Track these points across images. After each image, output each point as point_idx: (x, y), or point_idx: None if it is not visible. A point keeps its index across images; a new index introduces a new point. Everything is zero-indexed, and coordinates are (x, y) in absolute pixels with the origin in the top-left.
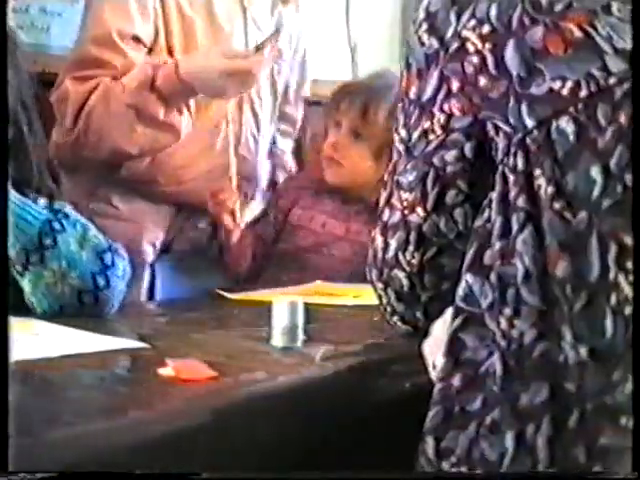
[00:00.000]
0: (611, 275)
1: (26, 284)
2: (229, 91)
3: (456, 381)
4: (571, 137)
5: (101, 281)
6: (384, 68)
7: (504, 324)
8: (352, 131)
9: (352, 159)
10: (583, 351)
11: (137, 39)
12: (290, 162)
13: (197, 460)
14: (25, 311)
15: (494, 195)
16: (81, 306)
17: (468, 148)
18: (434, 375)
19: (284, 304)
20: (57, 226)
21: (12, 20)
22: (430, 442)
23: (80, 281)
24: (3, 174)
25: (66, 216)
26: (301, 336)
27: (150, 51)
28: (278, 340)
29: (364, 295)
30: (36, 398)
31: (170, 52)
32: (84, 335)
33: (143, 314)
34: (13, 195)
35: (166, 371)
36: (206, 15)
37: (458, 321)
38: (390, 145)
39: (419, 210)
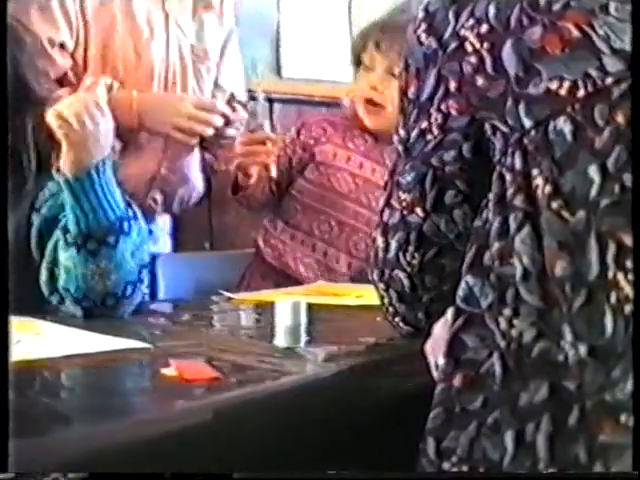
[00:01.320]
0: (610, 274)
1: (66, 258)
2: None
3: (457, 381)
4: (568, 137)
5: (129, 291)
6: (404, 1)
7: (503, 324)
8: (389, 71)
9: (394, 100)
10: (583, 350)
11: (63, 46)
12: None
13: (199, 460)
14: (31, 310)
15: (491, 195)
16: (101, 305)
17: (466, 148)
18: (436, 375)
19: (287, 304)
20: (125, 227)
21: None
22: (431, 443)
23: (114, 285)
24: (3, 173)
25: (135, 217)
26: (304, 336)
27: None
28: (281, 340)
29: (366, 295)
30: (39, 398)
31: (85, 61)
32: (87, 335)
33: (146, 314)
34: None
35: (169, 371)
36: (126, 20)
37: (459, 322)
38: None
39: (418, 210)
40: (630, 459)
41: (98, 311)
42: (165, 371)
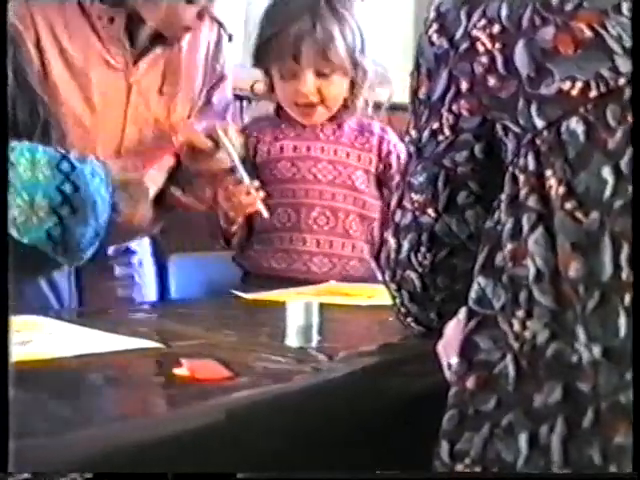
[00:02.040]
0: (624, 275)
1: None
2: None
3: (470, 383)
4: (581, 138)
5: (67, 187)
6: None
7: (517, 325)
8: (318, 73)
9: (329, 94)
10: (596, 351)
11: None
12: None
13: (211, 460)
14: (40, 309)
15: (503, 196)
16: (61, 222)
17: (478, 149)
18: (449, 376)
19: (299, 304)
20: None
21: None
22: (445, 445)
23: (48, 200)
24: (3, 172)
25: (12, 149)
26: (316, 336)
27: None
28: (293, 340)
29: (378, 295)
30: (52, 398)
31: None
32: (99, 335)
33: (157, 314)
34: None
35: (181, 371)
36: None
37: (472, 324)
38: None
39: (430, 211)
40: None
41: (70, 227)
42: (177, 371)
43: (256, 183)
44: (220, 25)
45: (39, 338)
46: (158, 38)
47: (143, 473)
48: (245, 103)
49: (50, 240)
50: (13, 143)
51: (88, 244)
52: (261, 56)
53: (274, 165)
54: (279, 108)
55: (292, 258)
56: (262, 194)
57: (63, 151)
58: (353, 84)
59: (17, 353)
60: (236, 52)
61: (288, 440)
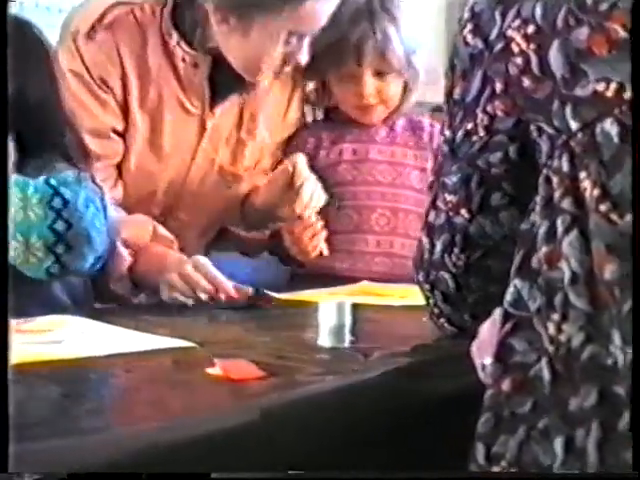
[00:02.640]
0: None
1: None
2: None
3: (506, 386)
4: (616, 139)
5: (60, 225)
6: None
7: (552, 329)
8: (375, 74)
9: (388, 93)
10: (632, 354)
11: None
12: None
13: (244, 460)
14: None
15: (538, 198)
16: (58, 260)
17: (512, 150)
18: (483, 377)
19: (331, 304)
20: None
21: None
22: (481, 448)
23: (42, 240)
24: (3, 174)
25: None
26: (348, 336)
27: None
28: (325, 340)
29: (410, 296)
30: (85, 397)
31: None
32: (132, 334)
33: (191, 314)
34: None
35: (215, 371)
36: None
37: (507, 326)
38: None
39: (464, 212)
40: None
41: (68, 264)
42: (210, 370)
43: (321, 224)
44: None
45: (70, 337)
46: (236, 84)
47: (120, 473)
48: None
49: (51, 276)
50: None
51: (90, 270)
52: (318, 64)
53: (334, 169)
54: (331, 112)
55: (354, 258)
56: (325, 233)
57: (54, 182)
58: (406, 84)
59: (49, 352)
60: None
61: (321, 440)
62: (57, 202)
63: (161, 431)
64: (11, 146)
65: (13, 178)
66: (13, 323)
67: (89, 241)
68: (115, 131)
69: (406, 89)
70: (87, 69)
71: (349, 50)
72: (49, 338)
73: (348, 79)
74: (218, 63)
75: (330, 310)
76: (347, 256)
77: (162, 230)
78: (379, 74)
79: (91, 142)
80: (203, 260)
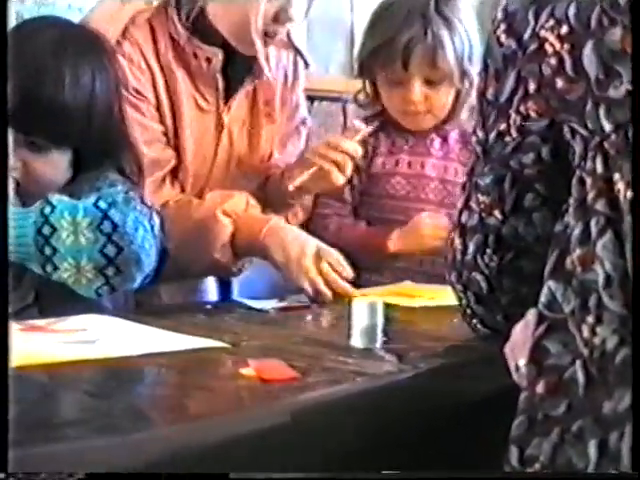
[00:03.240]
0: None
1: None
2: None
3: (540, 388)
4: None
5: (110, 249)
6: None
7: (586, 332)
8: (426, 82)
9: (437, 103)
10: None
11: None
12: None
13: (276, 461)
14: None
15: (571, 200)
16: (108, 281)
17: (545, 151)
18: (517, 378)
19: (363, 304)
20: (47, 230)
21: None
22: (514, 451)
23: (93, 263)
24: (3, 177)
25: (52, 209)
26: (381, 337)
27: None
28: (357, 340)
29: (442, 296)
30: (119, 397)
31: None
32: (164, 334)
33: (224, 314)
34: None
35: (248, 371)
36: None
37: (541, 328)
38: None
39: (497, 213)
40: None
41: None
42: (244, 371)
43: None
44: (297, 51)
45: (104, 337)
46: (248, 73)
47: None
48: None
49: (100, 296)
50: (54, 199)
51: (137, 288)
52: (368, 64)
53: (388, 179)
54: (384, 114)
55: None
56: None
57: (103, 205)
58: (459, 93)
59: (83, 352)
60: None
61: (354, 441)
62: (107, 226)
63: (192, 432)
64: (66, 160)
65: (61, 199)
66: (43, 322)
67: (138, 264)
68: (164, 135)
69: (458, 99)
70: (124, 82)
71: (397, 53)
72: (82, 338)
73: (395, 83)
74: (230, 57)
75: (361, 310)
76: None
77: (252, 201)
78: (428, 81)
79: (148, 151)
80: (336, 255)
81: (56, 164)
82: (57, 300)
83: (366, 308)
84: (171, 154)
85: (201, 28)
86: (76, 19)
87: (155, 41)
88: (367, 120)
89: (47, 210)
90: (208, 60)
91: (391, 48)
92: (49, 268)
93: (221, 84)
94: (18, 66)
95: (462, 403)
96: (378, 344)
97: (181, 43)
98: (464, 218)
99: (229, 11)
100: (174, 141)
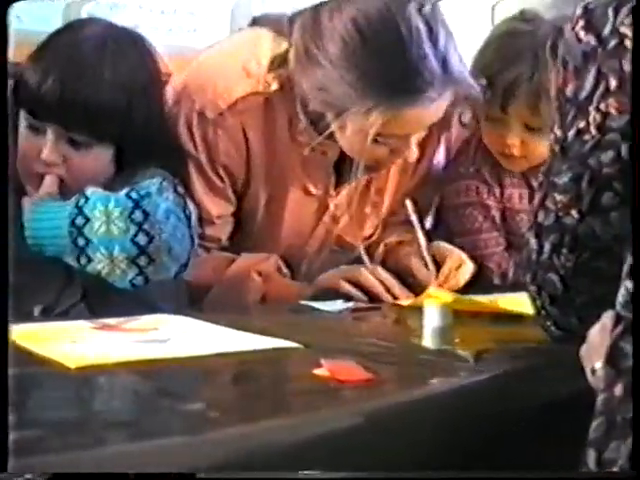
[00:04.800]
0: None
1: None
2: None
3: (618, 390)
4: None
5: (142, 238)
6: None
7: None
8: (525, 126)
9: (534, 151)
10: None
11: None
12: None
13: (349, 462)
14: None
15: None
16: (142, 271)
17: (625, 149)
18: (593, 381)
19: (435, 306)
20: (80, 221)
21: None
22: (592, 454)
23: (125, 253)
24: (3, 175)
25: (86, 200)
26: (453, 338)
27: None
28: (429, 342)
29: (513, 302)
30: (191, 397)
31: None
32: (236, 334)
33: (294, 314)
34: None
35: (321, 372)
36: None
37: (619, 329)
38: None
39: (574, 212)
40: None
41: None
42: (317, 371)
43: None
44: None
45: (176, 336)
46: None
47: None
48: None
49: (135, 287)
50: (88, 192)
51: (175, 278)
52: None
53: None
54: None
55: None
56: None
57: (135, 195)
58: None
59: (155, 351)
60: None
61: (428, 442)
62: (138, 215)
63: (265, 432)
64: (108, 157)
65: (95, 191)
66: (114, 321)
67: (171, 252)
68: (220, 217)
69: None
70: (208, 154)
71: (497, 93)
72: (154, 337)
73: (493, 121)
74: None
75: (434, 312)
76: None
77: (283, 267)
78: (527, 126)
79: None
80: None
81: (97, 160)
82: (104, 297)
83: (438, 310)
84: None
85: (317, 120)
86: (145, 20)
87: (272, 119)
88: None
89: (81, 202)
90: (323, 153)
91: (491, 86)
92: (83, 260)
93: (333, 177)
94: (59, 62)
95: (538, 406)
96: (451, 346)
97: (298, 130)
98: (540, 218)
99: (342, 141)
100: (271, 212)
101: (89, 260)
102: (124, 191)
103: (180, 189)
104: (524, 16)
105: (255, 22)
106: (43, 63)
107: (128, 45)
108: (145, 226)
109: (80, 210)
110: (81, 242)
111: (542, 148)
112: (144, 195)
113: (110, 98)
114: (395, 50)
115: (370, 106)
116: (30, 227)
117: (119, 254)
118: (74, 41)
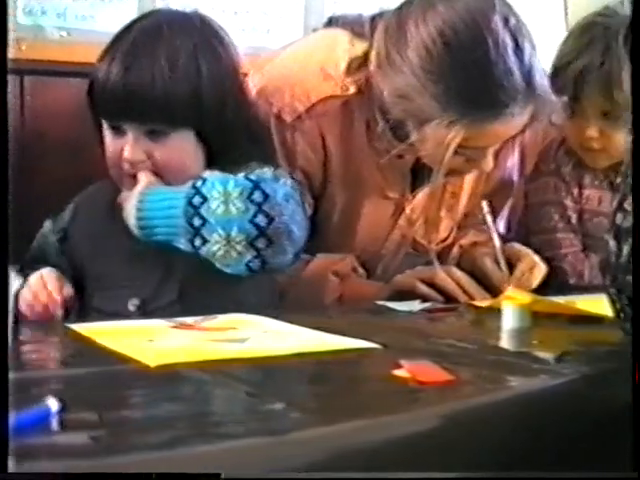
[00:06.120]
0: None
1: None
2: None
3: None
4: None
5: (261, 219)
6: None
7: None
8: (602, 114)
9: (612, 140)
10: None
11: None
12: None
13: (429, 463)
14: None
15: None
16: (259, 254)
17: None
18: None
19: (513, 307)
20: (197, 200)
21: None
22: None
23: (244, 234)
24: (3, 173)
25: (203, 182)
26: (532, 340)
27: None
28: (507, 343)
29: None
30: (269, 396)
31: None
32: (314, 334)
33: (371, 314)
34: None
35: (401, 372)
36: None
37: None
38: None
39: None
40: None
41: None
42: (397, 372)
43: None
44: None
45: (255, 336)
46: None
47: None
48: None
49: (251, 272)
50: (206, 174)
51: (287, 267)
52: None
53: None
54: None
55: None
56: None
57: (254, 177)
58: None
59: (235, 350)
60: None
61: (508, 444)
62: (257, 196)
63: (347, 433)
64: (190, 143)
65: (212, 174)
66: (191, 320)
67: (290, 236)
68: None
69: None
70: (286, 157)
71: (568, 82)
72: (232, 336)
73: (572, 113)
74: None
75: (513, 313)
76: None
77: (359, 267)
78: (603, 113)
79: None
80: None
81: (179, 148)
82: (201, 297)
83: (516, 311)
84: None
85: (396, 126)
86: (219, 21)
87: (350, 122)
88: None
89: (199, 183)
90: (400, 156)
91: (564, 74)
92: (198, 242)
93: (409, 180)
94: (120, 54)
95: (617, 409)
96: (529, 348)
97: (375, 133)
98: (619, 220)
99: (422, 151)
100: (348, 213)
101: (204, 241)
102: (241, 174)
103: (295, 178)
104: (604, 11)
105: (331, 22)
106: (109, 57)
107: (186, 27)
108: (265, 207)
109: (197, 190)
110: (197, 222)
111: (621, 140)
112: (262, 178)
113: (169, 82)
114: (481, 64)
115: (453, 119)
116: (141, 209)
117: (237, 235)
118: (132, 29)
